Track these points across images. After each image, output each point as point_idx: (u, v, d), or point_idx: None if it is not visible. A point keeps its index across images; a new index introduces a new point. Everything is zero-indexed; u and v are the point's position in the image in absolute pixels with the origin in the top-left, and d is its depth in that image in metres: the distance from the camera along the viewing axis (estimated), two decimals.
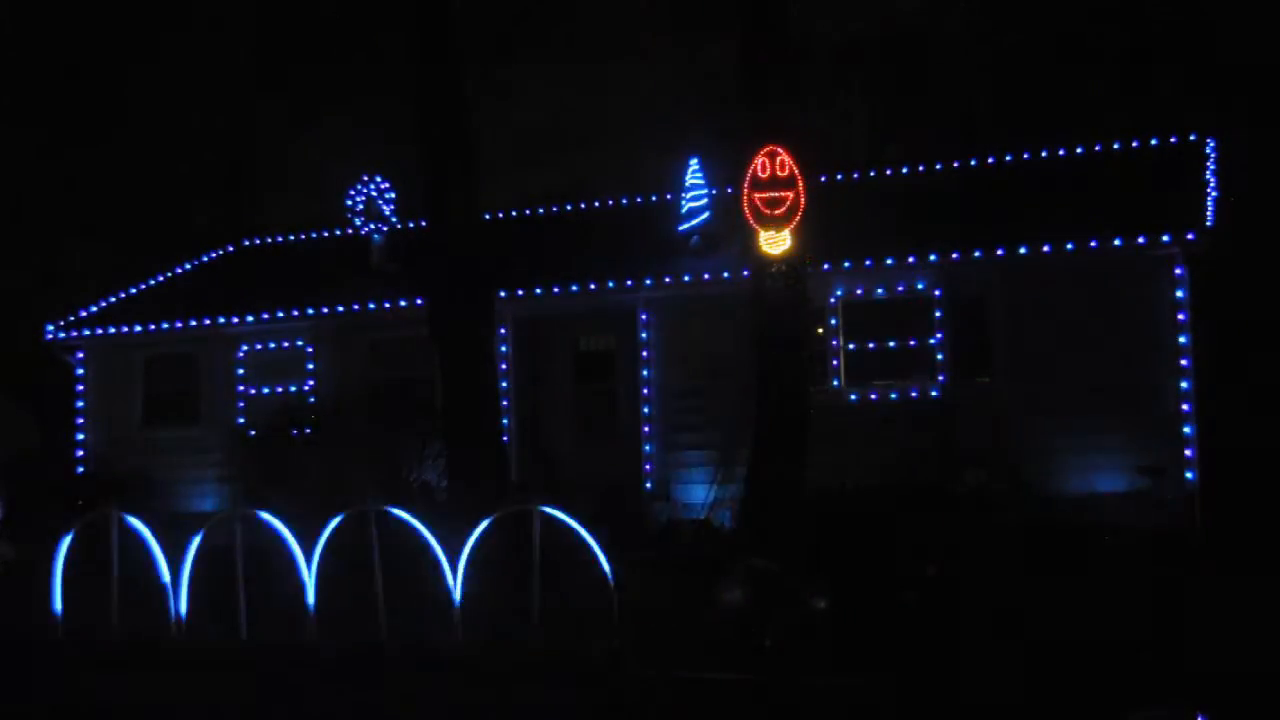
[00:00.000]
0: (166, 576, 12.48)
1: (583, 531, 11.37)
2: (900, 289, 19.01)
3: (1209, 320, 18.72)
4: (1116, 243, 17.68)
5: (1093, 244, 17.80)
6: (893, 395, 18.78)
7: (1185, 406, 17.47)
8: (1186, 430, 17.43)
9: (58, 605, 12.68)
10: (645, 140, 30.47)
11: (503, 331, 20.39)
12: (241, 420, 22.05)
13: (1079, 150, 21.77)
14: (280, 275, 24.71)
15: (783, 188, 15.76)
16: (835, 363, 19.10)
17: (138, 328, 22.89)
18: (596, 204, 25.15)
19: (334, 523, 12.00)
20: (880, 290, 19.10)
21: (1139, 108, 26.90)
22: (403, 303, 20.71)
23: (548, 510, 11.46)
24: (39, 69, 34.99)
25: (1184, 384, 17.50)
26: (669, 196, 22.29)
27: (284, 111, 35.21)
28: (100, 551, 12.71)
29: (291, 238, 27.59)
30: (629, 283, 19.99)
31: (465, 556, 11.55)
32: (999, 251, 18.27)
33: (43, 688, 12.06)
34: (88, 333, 23.30)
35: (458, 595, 11.50)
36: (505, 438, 18.97)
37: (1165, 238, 17.46)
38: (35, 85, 34.67)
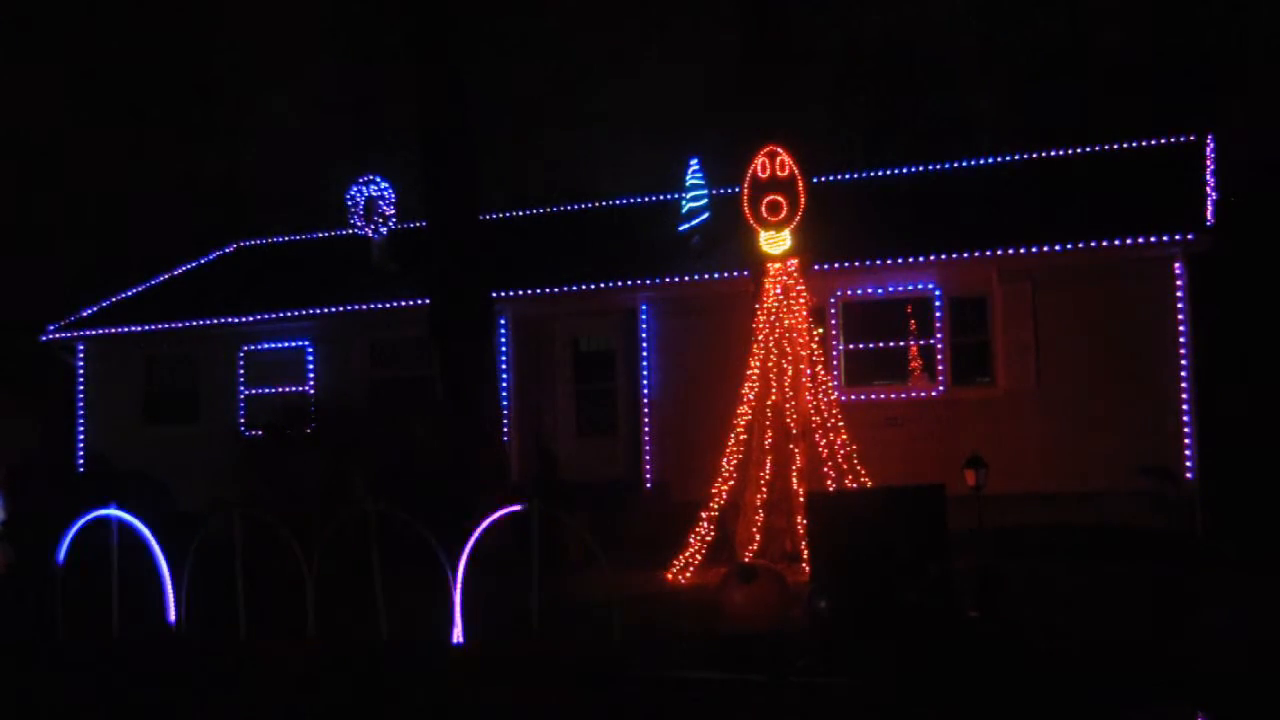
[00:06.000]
0: (166, 577, 12.51)
1: (582, 531, 11.39)
2: (900, 289, 19.01)
3: (1209, 320, 18.72)
4: (1116, 243, 17.70)
5: (1093, 244, 17.82)
6: (893, 395, 18.78)
7: (1185, 406, 17.48)
8: (1186, 430, 17.44)
9: (59, 606, 12.69)
10: (645, 140, 30.50)
11: (503, 331, 20.40)
12: (241, 420, 22.06)
13: (1079, 150, 21.77)
14: (280, 275, 24.71)
15: (783, 188, 15.75)
16: (835, 363, 19.10)
17: (138, 327, 22.89)
18: (596, 204, 25.15)
19: (334, 523, 12.02)
20: (880, 290, 19.10)
21: (1139, 108, 26.91)
22: (403, 303, 20.71)
23: (548, 510, 11.47)
24: (41, 70, 34.99)
25: (1184, 384, 17.51)
26: (669, 196, 22.29)
27: (285, 111, 35.22)
28: (101, 551, 12.72)
29: (291, 238, 27.58)
30: (629, 282, 20.00)
31: (465, 556, 11.56)
32: (999, 251, 18.28)
33: (44, 689, 12.05)
34: (88, 332, 23.30)
35: (458, 594, 11.50)
36: (505, 437, 18.98)
37: (1165, 237, 17.48)
38: (36, 86, 34.66)
